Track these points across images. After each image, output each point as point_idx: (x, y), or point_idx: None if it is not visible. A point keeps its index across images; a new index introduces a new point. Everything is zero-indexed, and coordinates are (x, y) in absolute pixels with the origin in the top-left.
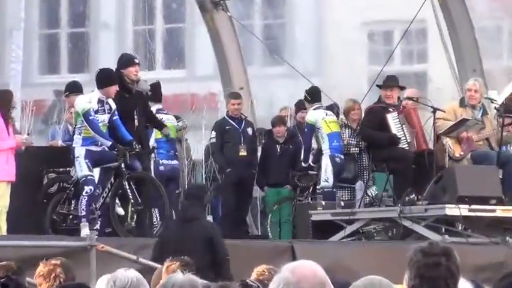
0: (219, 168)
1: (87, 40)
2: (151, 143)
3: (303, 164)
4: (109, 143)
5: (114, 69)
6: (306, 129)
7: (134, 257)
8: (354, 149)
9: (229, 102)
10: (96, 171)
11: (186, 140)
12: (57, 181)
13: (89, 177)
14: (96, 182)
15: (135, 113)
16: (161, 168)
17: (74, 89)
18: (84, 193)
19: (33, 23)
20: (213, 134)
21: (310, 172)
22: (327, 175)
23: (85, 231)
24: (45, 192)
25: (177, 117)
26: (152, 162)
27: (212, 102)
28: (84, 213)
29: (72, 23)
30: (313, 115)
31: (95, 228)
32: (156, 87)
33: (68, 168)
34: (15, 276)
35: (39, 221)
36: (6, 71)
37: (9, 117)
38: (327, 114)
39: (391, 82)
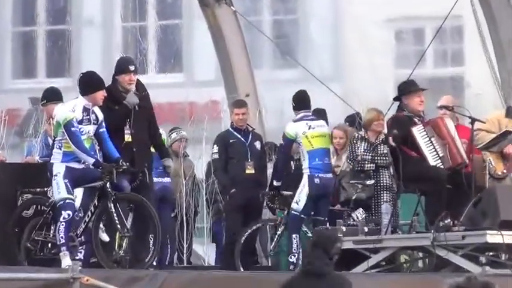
0: (222, 188)
1: (68, 39)
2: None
3: (274, 183)
4: (92, 160)
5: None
6: (282, 143)
7: None
8: (369, 165)
9: (233, 111)
10: (79, 191)
11: (186, 155)
12: (33, 203)
13: (67, 201)
14: (78, 204)
15: (126, 127)
16: (158, 186)
17: (53, 96)
18: (61, 219)
19: (4, 19)
20: (215, 148)
21: (284, 192)
22: (299, 196)
23: (66, 261)
24: (18, 216)
25: (173, 129)
26: None
27: (214, 112)
28: (63, 241)
29: (51, 19)
30: (293, 128)
31: (77, 258)
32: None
33: (46, 189)
34: None
35: (12, 250)
36: None
37: None
38: (309, 128)
39: (416, 86)
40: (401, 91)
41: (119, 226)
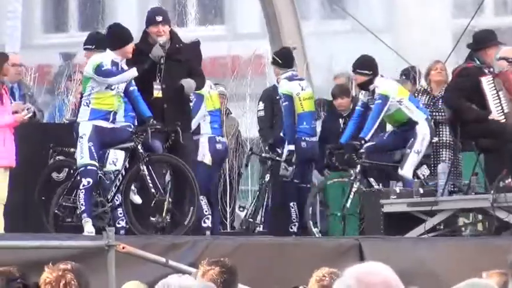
0: (268, 147)
1: None
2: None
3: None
4: (133, 72)
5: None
6: (284, 102)
7: (163, 260)
8: None
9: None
10: (121, 154)
11: (229, 113)
12: (65, 166)
13: (88, 168)
14: (121, 165)
15: (156, 82)
16: (218, 146)
17: (102, 43)
18: (81, 186)
19: None
20: (261, 105)
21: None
22: (286, 162)
23: (87, 228)
24: (46, 178)
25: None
26: (206, 139)
27: (258, 67)
28: (83, 208)
29: None
30: (288, 87)
31: (119, 226)
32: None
33: (74, 150)
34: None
35: (40, 216)
36: (1, 29)
37: (2, 87)
38: (302, 89)
39: (496, 39)
40: (479, 42)
41: (153, 190)
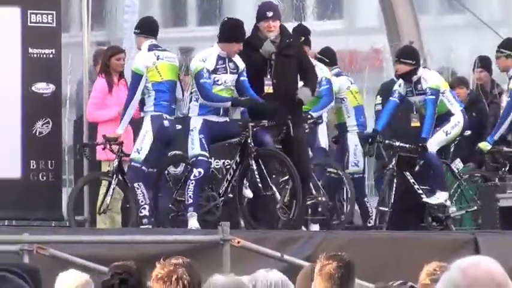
0: (387, 142)
1: None
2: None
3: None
4: (228, 103)
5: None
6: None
7: (278, 254)
8: None
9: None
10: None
11: None
12: (181, 160)
13: (199, 158)
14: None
15: (267, 77)
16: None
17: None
18: (192, 177)
19: None
20: (379, 99)
21: (505, 149)
22: (356, 158)
23: (192, 222)
24: (161, 172)
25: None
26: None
27: (376, 61)
28: (190, 200)
29: None
30: (336, 82)
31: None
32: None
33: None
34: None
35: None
36: (118, 24)
37: (112, 80)
38: (351, 83)
39: None
40: None
41: (260, 185)
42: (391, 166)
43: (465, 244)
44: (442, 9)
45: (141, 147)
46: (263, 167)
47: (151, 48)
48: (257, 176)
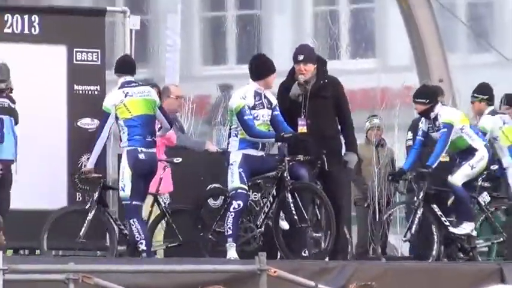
0: (415, 177)
1: (258, 24)
2: None
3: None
4: (272, 139)
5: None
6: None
7: (312, 284)
8: None
9: None
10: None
11: (383, 144)
12: (220, 193)
13: (239, 191)
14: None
15: (301, 117)
16: None
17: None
18: (231, 209)
19: (192, 4)
20: (410, 135)
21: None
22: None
23: (231, 253)
24: (202, 204)
25: (369, 117)
26: None
27: (407, 97)
28: (230, 232)
29: (240, 3)
30: (490, 121)
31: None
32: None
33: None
34: None
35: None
36: (161, 62)
37: None
38: (504, 123)
39: None
40: None
41: (295, 217)
42: (418, 198)
43: (492, 274)
44: (471, 48)
45: (123, 184)
46: (299, 200)
47: (122, 85)
48: (293, 209)
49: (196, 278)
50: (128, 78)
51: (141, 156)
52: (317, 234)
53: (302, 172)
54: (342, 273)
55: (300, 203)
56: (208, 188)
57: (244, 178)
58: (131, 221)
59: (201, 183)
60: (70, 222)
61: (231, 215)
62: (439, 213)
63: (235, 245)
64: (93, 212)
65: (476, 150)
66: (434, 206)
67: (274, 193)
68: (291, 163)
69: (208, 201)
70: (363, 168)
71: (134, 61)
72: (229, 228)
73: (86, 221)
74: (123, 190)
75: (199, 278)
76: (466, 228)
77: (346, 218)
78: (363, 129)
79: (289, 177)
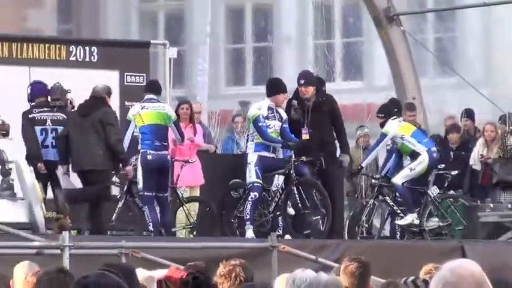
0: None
1: (270, 53)
2: None
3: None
4: (279, 144)
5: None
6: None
7: (313, 257)
8: None
9: (406, 113)
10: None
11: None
12: (240, 186)
13: (255, 184)
14: (278, 185)
15: (304, 128)
16: None
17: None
18: (249, 198)
19: (218, 37)
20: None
21: None
22: None
23: (249, 233)
24: (225, 196)
25: (358, 127)
26: None
27: None
28: (248, 216)
29: (255, 37)
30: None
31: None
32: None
33: None
34: (204, 275)
35: (218, 225)
36: (194, 84)
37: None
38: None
39: None
40: None
41: (300, 205)
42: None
43: (454, 250)
44: (437, 73)
45: (138, 179)
46: (302, 192)
47: (144, 101)
48: (297, 199)
49: (221, 253)
50: (150, 96)
51: (149, 157)
52: (316, 217)
53: (305, 170)
54: (337, 249)
55: (303, 194)
56: (230, 182)
57: (259, 174)
58: (143, 208)
59: (227, 179)
60: (105, 210)
61: (249, 203)
62: (391, 203)
63: (252, 227)
64: (122, 201)
65: (419, 154)
66: (387, 198)
67: (283, 186)
68: (296, 163)
69: (231, 192)
70: (353, 166)
71: (159, 84)
72: (247, 213)
73: (117, 208)
74: (139, 184)
75: (224, 253)
76: (408, 218)
77: (340, 206)
78: (354, 136)
79: (294, 174)
